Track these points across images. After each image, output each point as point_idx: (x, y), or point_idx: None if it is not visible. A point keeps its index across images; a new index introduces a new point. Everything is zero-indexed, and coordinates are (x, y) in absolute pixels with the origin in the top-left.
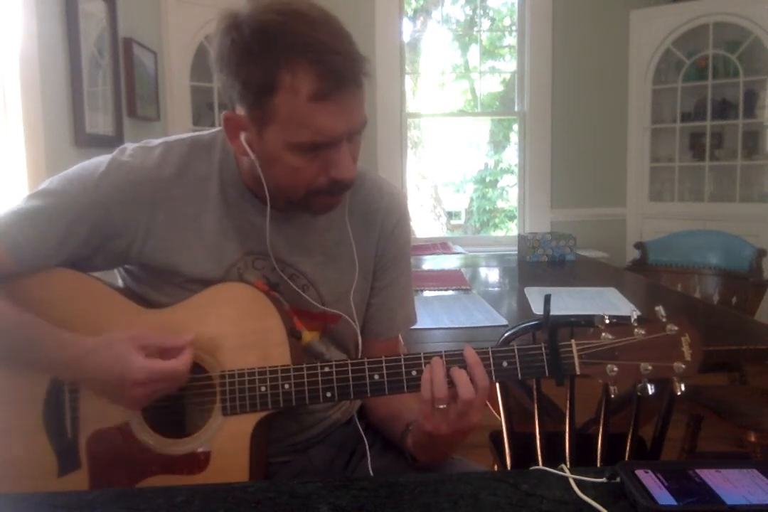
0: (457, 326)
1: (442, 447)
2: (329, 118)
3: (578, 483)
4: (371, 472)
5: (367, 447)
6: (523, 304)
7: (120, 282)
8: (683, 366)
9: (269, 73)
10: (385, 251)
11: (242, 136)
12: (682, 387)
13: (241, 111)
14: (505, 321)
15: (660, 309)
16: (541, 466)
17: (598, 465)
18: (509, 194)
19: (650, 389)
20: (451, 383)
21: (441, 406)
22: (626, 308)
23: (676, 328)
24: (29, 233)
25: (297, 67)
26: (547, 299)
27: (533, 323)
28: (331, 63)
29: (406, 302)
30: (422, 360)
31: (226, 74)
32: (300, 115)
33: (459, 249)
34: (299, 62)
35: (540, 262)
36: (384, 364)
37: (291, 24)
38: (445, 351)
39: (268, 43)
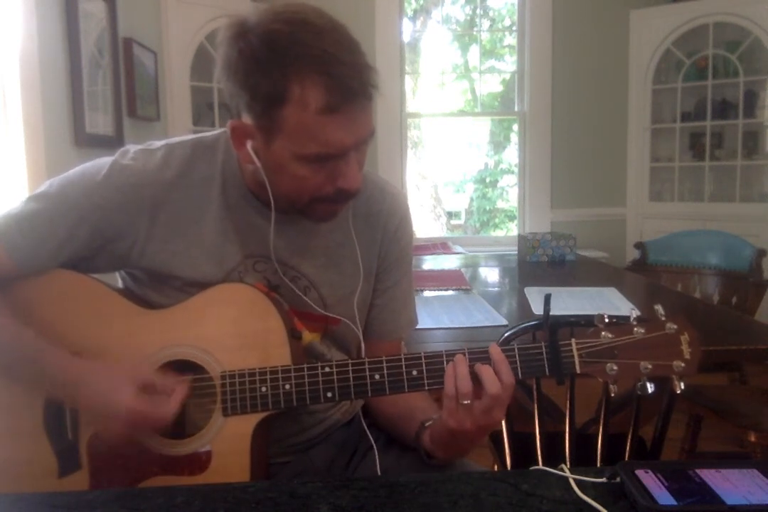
0: (457, 326)
1: (463, 444)
2: (338, 130)
3: (578, 483)
4: (379, 471)
5: (374, 445)
6: (523, 304)
7: (120, 284)
8: (683, 364)
9: (278, 84)
10: (388, 253)
11: (249, 145)
12: (682, 386)
13: (247, 120)
14: (505, 321)
15: (659, 308)
16: (541, 466)
17: (598, 465)
18: (509, 194)
19: (650, 388)
20: (472, 379)
21: (465, 402)
22: (626, 308)
23: (675, 327)
24: (30, 235)
25: (306, 79)
26: (547, 299)
27: (533, 323)
28: (340, 75)
29: (408, 303)
30: (423, 360)
31: (233, 83)
32: (308, 128)
33: (459, 249)
34: (308, 74)
35: (540, 262)
36: (384, 364)
37: (299, 34)
38: (468, 349)
39: (277, 53)
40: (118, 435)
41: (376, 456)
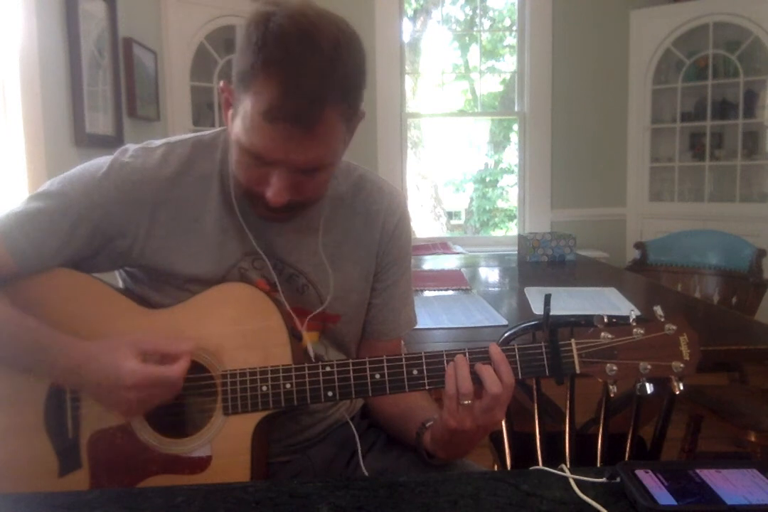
0: (457, 326)
1: (463, 444)
2: (268, 140)
3: (578, 483)
4: (365, 472)
5: (359, 448)
6: (523, 304)
7: (120, 285)
8: (682, 365)
9: (253, 71)
10: (387, 252)
11: (230, 112)
12: (681, 387)
13: (231, 86)
14: (505, 321)
15: (658, 309)
16: (541, 466)
17: (598, 465)
18: (509, 194)
19: (649, 388)
20: (473, 379)
21: (466, 402)
22: (626, 308)
23: (674, 328)
24: (31, 235)
25: (270, 79)
26: (547, 299)
27: (533, 323)
28: (294, 96)
29: (408, 302)
30: (423, 360)
31: (237, 49)
32: (250, 120)
33: (459, 249)
34: (275, 77)
35: (540, 262)
36: (385, 364)
37: (296, 45)
38: (468, 349)
39: (268, 49)
40: (132, 403)
41: (361, 461)
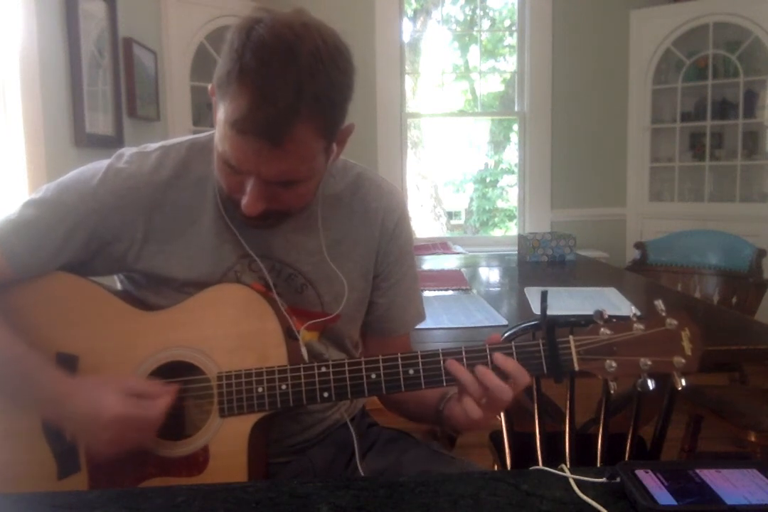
0: (457, 326)
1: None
2: (237, 151)
3: (578, 483)
4: (362, 472)
5: (357, 450)
6: (523, 304)
7: (119, 287)
8: (683, 360)
9: (229, 77)
10: (388, 251)
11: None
12: (683, 382)
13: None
14: (505, 321)
15: (659, 304)
16: (541, 466)
17: (598, 465)
18: (509, 194)
19: (650, 384)
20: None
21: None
22: (626, 308)
23: (675, 323)
24: (28, 242)
25: (243, 89)
26: (544, 296)
27: (533, 323)
28: (263, 110)
29: (414, 299)
30: (419, 360)
31: (223, 53)
32: (222, 129)
33: (459, 249)
34: (249, 87)
35: (540, 262)
36: (381, 364)
37: (272, 58)
38: (465, 348)
39: (247, 59)
40: (107, 442)
41: (358, 460)
